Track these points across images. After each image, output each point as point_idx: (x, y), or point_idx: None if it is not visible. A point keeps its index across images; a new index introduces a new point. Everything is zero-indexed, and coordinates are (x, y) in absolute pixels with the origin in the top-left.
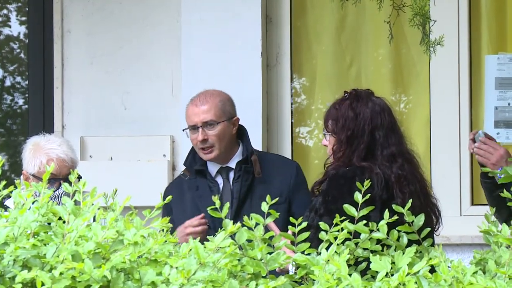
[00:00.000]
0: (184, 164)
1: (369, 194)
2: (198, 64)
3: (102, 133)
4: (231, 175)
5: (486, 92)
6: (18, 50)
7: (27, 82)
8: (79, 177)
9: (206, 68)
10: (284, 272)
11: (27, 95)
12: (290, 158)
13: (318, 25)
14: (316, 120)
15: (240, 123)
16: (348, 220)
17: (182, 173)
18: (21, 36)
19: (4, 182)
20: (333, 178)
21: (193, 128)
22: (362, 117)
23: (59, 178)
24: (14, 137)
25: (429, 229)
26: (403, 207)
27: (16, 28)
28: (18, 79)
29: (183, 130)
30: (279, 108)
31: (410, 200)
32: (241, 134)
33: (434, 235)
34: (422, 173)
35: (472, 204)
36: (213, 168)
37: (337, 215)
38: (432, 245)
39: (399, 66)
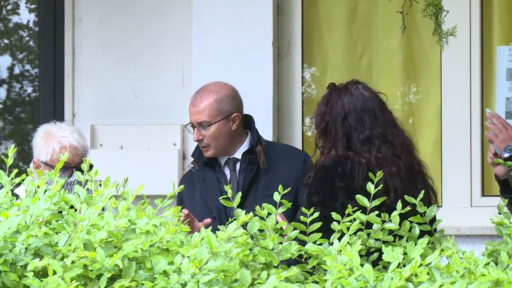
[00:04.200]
0: (193, 156)
1: (346, 183)
2: (209, 53)
3: (113, 122)
4: (238, 166)
5: (498, 83)
6: (27, 38)
7: (36, 70)
8: (91, 166)
9: (217, 57)
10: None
11: (36, 83)
12: (300, 148)
13: (330, 15)
14: None
15: (250, 112)
16: (330, 211)
17: (190, 164)
18: (31, 24)
19: (16, 171)
20: (318, 170)
21: (192, 126)
22: (334, 108)
23: (71, 166)
24: (22, 125)
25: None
26: (387, 190)
27: (26, 15)
28: (27, 67)
29: (184, 126)
30: (290, 98)
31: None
32: (248, 124)
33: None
34: (412, 154)
35: (483, 195)
36: (221, 160)
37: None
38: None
39: (411, 57)
